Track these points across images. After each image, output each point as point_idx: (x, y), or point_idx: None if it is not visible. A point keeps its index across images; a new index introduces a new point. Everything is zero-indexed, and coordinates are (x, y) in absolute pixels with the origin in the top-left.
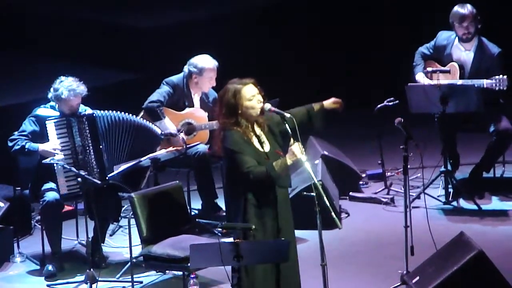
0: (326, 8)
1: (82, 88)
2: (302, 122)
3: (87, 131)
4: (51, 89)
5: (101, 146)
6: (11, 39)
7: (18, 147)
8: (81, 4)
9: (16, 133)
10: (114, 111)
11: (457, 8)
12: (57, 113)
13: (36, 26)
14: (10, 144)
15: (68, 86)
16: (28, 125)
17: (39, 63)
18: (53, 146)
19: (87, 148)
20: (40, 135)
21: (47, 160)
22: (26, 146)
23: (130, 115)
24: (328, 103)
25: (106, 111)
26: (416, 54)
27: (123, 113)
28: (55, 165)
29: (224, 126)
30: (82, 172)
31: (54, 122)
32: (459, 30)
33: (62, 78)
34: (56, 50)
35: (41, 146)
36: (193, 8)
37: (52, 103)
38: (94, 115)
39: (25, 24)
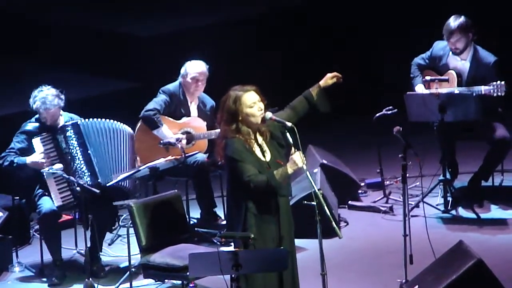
0: (326, 15)
1: (55, 102)
2: (305, 112)
3: (74, 139)
4: (31, 97)
5: (89, 152)
6: (10, 45)
7: (7, 163)
8: (81, 12)
9: (7, 150)
10: (101, 119)
11: (449, 21)
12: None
13: (34, 34)
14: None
15: (41, 97)
16: (16, 142)
17: (38, 70)
18: (41, 156)
19: (76, 155)
20: (29, 151)
21: (45, 170)
22: (15, 161)
23: (115, 121)
24: (325, 81)
25: (93, 119)
26: (412, 65)
27: (109, 120)
28: (47, 176)
29: (225, 133)
30: (81, 181)
31: (40, 139)
32: (448, 44)
33: (44, 87)
34: (55, 58)
35: (29, 159)
36: (193, 17)
37: (37, 115)
38: (78, 123)
39: (24, 31)
